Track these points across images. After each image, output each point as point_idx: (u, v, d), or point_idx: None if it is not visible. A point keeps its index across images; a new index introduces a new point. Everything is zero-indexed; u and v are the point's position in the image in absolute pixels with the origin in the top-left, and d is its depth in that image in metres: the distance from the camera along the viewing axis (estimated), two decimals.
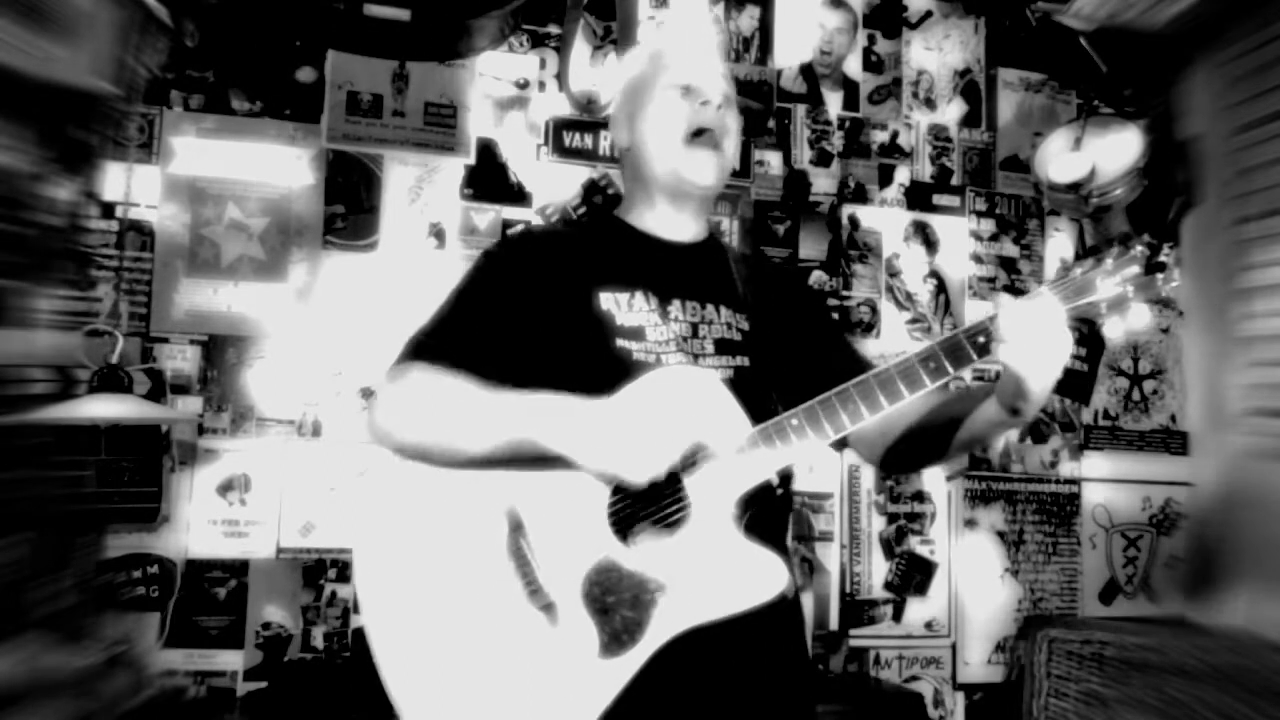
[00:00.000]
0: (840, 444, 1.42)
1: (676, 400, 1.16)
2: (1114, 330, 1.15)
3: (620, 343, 1.26)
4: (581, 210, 2.69)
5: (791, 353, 1.39)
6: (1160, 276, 1.11)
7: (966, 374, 2.88)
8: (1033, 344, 1.09)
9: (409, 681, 1.18)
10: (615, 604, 1.14)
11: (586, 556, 1.16)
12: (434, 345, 1.25)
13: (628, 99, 1.46)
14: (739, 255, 1.51)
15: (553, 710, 1.14)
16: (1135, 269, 1.12)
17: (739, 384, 1.24)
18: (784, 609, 1.22)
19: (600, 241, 1.41)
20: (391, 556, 1.23)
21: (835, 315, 2.83)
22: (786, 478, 1.28)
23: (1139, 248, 1.13)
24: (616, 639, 1.14)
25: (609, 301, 1.30)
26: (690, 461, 1.15)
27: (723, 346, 1.33)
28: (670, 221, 1.42)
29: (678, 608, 1.14)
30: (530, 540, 1.18)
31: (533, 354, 1.27)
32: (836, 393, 1.17)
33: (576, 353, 1.27)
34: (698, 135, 1.35)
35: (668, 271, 1.37)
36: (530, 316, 1.28)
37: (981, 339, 1.14)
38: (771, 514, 1.27)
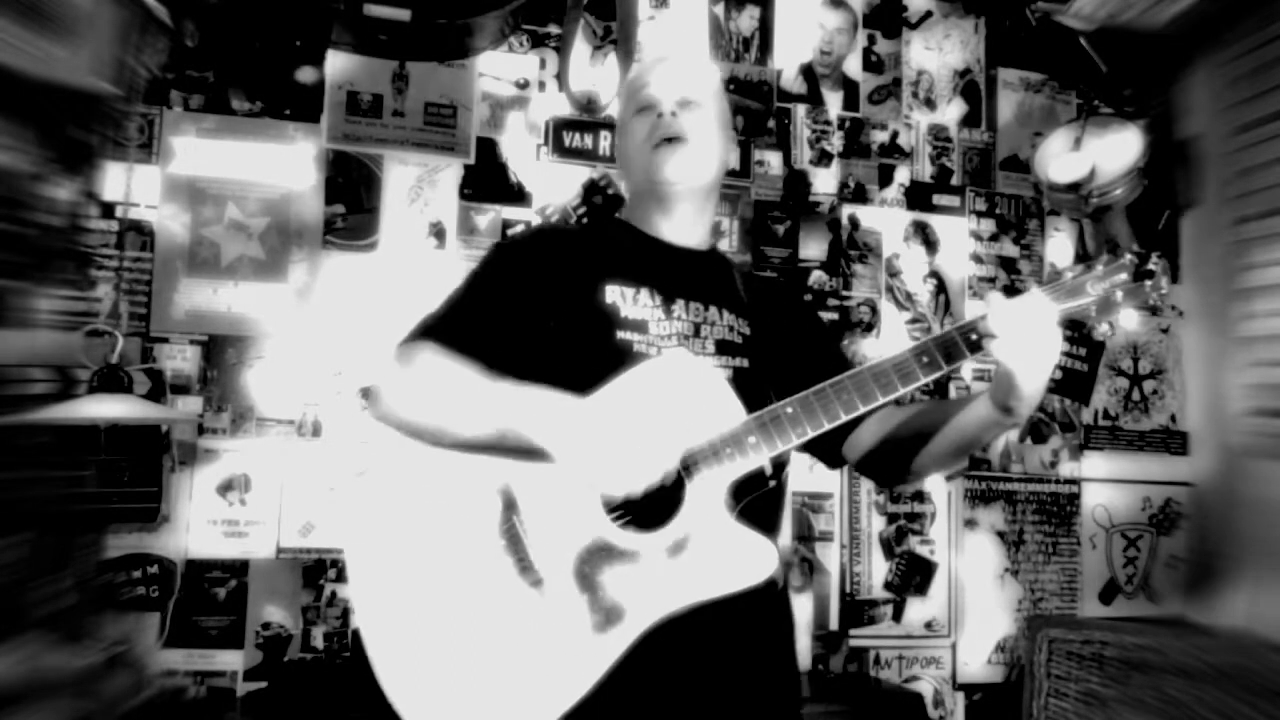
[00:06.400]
0: (838, 460, 1.46)
1: (671, 391, 1.19)
2: (1104, 334, 1.19)
3: (622, 334, 1.29)
4: (581, 210, 2.69)
5: (789, 358, 1.42)
6: (1149, 284, 1.17)
7: (966, 373, 2.90)
8: (1025, 341, 1.13)
9: (396, 659, 1.19)
10: (606, 583, 1.17)
11: (579, 536, 1.18)
12: (442, 328, 1.29)
13: (617, 127, 1.54)
14: (739, 268, 1.55)
15: (542, 684, 1.16)
16: (1124, 276, 1.17)
17: (738, 383, 1.25)
18: (772, 596, 1.25)
19: (609, 239, 1.46)
20: (383, 539, 1.24)
21: (835, 316, 2.83)
22: (780, 466, 1.30)
23: (1128, 256, 1.18)
24: (607, 617, 1.16)
25: (614, 294, 1.33)
26: (686, 466, 1.17)
27: (723, 347, 1.36)
28: (669, 226, 1.45)
29: (668, 588, 1.17)
30: (523, 519, 1.20)
31: (538, 340, 1.30)
32: (831, 383, 1.20)
33: (580, 341, 1.29)
34: (661, 144, 1.40)
35: (673, 272, 1.40)
36: (538, 304, 1.31)
37: (974, 335, 1.18)
38: (764, 503, 1.29)
